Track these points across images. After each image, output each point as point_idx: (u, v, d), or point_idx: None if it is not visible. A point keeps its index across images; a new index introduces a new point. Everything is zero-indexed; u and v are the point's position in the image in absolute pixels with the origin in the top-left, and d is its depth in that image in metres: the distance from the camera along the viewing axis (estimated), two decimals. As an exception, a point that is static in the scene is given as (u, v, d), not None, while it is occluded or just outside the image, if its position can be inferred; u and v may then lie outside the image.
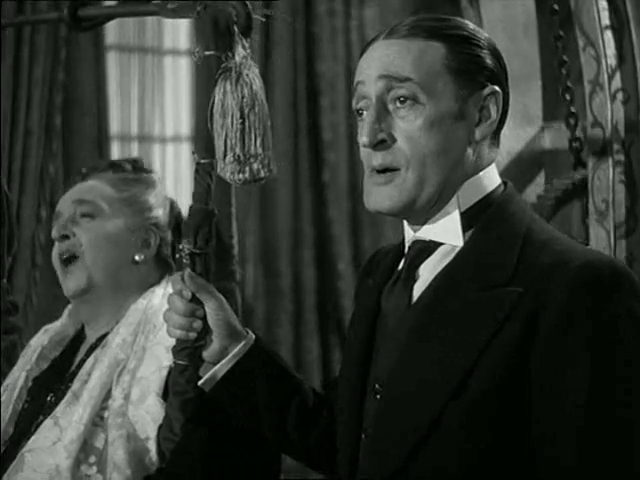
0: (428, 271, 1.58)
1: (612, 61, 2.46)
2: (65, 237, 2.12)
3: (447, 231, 1.57)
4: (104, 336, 2.11)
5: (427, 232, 1.59)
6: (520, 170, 3.15)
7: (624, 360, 1.44)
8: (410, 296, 1.58)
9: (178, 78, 4.97)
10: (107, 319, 2.13)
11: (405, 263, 1.61)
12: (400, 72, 1.55)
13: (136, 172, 2.21)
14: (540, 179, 3.20)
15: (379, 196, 1.58)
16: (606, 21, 2.45)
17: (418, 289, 1.58)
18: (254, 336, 1.82)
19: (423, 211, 1.58)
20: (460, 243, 1.56)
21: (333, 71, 4.89)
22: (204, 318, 1.79)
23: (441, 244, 1.58)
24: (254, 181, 1.76)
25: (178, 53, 4.96)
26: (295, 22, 4.76)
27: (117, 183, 2.17)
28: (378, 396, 1.58)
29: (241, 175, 1.75)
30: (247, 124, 1.74)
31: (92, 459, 1.97)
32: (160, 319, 2.01)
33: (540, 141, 3.21)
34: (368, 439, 1.59)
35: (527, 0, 3.19)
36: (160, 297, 2.12)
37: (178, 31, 4.91)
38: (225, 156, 1.75)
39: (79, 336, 2.21)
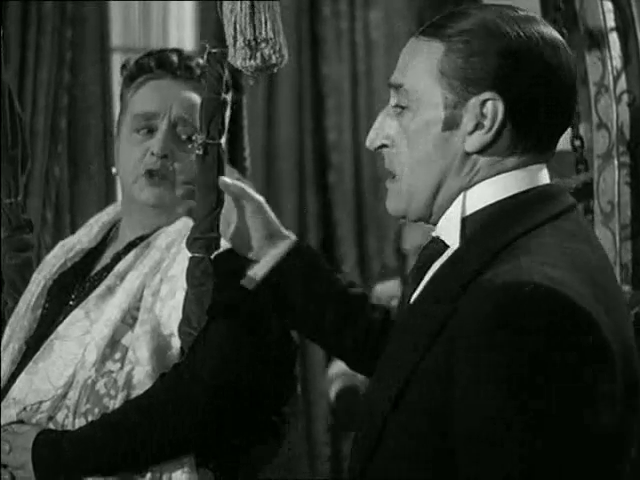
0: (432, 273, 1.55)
1: (617, 63, 2.46)
2: (164, 157, 2.04)
3: (450, 233, 1.53)
4: (143, 237, 2.08)
5: (440, 230, 1.56)
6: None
7: (525, 393, 1.33)
8: (410, 298, 1.56)
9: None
10: (159, 222, 2.08)
11: (418, 262, 1.60)
12: (395, 79, 1.53)
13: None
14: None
15: (387, 200, 1.58)
16: (611, 23, 2.45)
17: (418, 292, 1.55)
18: (294, 237, 1.86)
19: (425, 216, 1.55)
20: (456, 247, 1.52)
21: (338, 73, 4.89)
22: (218, 210, 1.82)
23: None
24: (265, 68, 1.74)
25: (183, 55, 4.96)
26: (300, 23, 4.76)
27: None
28: None
29: (252, 61, 1.73)
30: (256, 7, 1.71)
31: (117, 355, 1.95)
32: None
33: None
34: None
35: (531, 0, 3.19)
36: None
37: (183, 33, 4.92)
38: (235, 42, 1.72)
39: (101, 244, 2.17)
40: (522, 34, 1.47)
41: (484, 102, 1.47)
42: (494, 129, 1.48)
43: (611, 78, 2.48)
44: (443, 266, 1.51)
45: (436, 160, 1.50)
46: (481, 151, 1.49)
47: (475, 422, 1.34)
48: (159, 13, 4.79)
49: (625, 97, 2.48)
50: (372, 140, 1.56)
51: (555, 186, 1.55)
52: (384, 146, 1.55)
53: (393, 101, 1.54)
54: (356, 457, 1.51)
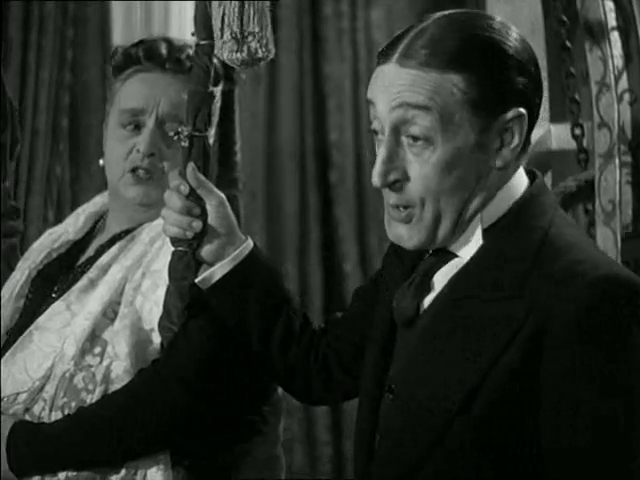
0: (440, 280, 1.55)
1: (619, 62, 2.46)
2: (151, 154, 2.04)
3: (467, 245, 1.53)
4: (128, 231, 2.06)
5: (458, 247, 1.56)
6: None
7: (632, 377, 1.40)
8: (419, 304, 1.55)
9: (184, 79, 4.97)
10: (146, 217, 2.07)
11: (420, 268, 1.58)
12: (417, 100, 1.47)
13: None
14: (547, 180, 3.20)
15: (399, 232, 1.54)
16: (612, 22, 2.45)
17: (429, 298, 1.55)
18: (252, 243, 1.81)
19: (448, 240, 1.54)
20: None
21: (339, 72, 4.89)
22: (202, 216, 1.78)
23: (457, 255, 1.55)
24: (252, 62, 1.74)
25: (185, 54, 4.96)
26: (301, 23, 4.76)
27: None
28: (391, 397, 1.56)
29: (238, 54, 1.73)
30: (245, 1, 1.71)
31: (97, 350, 1.93)
32: None
33: (547, 142, 3.21)
34: (381, 441, 1.57)
35: (533, 0, 3.19)
36: None
37: (184, 33, 4.92)
38: (222, 34, 1.73)
39: (87, 235, 2.15)
40: (519, 46, 1.51)
41: (512, 119, 1.50)
42: (522, 142, 1.51)
43: (612, 77, 2.49)
44: (474, 267, 1.51)
45: (465, 183, 1.50)
46: (502, 167, 1.52)
47: (599, 412, 1.38)
48: (160, 13, 4.79)
49: (626, 96, 2.49)
50: (383, 176, 1.51)
51: (538, 177, 1.58)
52: (396, 182, 1.52)
53: (404, 132, 1.51)
54: (395, 461, 1.50)
